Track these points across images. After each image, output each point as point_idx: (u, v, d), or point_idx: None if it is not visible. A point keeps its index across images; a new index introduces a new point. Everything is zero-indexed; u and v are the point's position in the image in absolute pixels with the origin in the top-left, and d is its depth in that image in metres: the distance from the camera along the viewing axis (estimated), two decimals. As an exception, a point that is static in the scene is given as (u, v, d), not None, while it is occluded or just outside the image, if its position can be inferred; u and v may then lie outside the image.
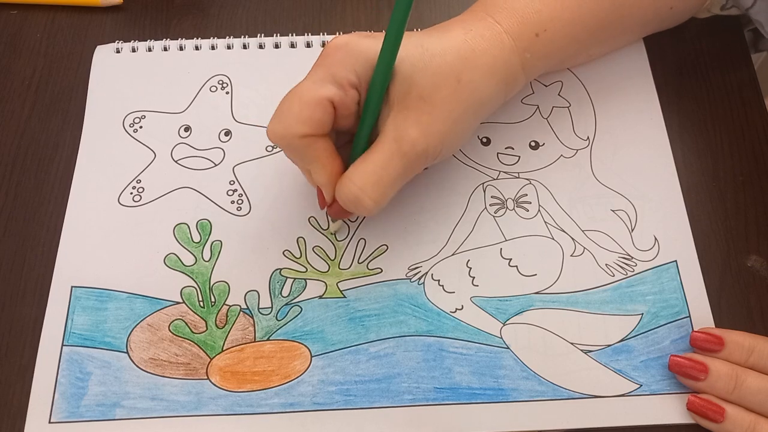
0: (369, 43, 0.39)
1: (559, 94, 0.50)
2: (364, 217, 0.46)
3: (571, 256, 0.45)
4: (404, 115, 0.39)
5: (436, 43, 0.40)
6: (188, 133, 0.49)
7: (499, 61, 0.41)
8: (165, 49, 0.52)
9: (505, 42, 0.42)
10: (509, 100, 0.45)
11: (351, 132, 0.42)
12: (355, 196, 0.39)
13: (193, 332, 0.43)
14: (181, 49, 0.52)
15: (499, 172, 0.48)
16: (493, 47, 0.41)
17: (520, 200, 0.47)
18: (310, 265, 0.45)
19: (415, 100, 0.39)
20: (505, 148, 0.49)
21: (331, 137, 0.41)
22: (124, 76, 0.51)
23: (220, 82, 0.51)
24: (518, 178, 0.48)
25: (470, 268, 0.45)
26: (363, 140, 0.40)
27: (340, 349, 0.43)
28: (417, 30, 0.44)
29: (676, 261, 0.45)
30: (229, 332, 0.43)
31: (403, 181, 0.40)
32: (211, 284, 0.44)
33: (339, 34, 0.52)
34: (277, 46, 0.52)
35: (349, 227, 0.46)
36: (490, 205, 0.47)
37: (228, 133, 0.49)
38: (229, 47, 0.52)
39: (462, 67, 0.40)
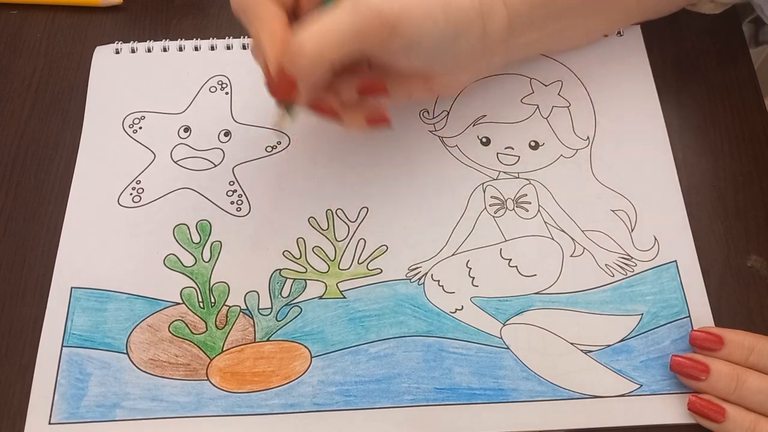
0: None
1: (559, 94, 0.50)
2: (364, 218, 0.46)
3: (571, 256, 0.45)
4: None
5: None
6: (188, 133, 0.49)
7: None
8: (164, 50, 0.52)
9: None
10: (491, 45, 0.43)
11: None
12: (294, 47, 0.36)
13: (193, 333, 0.43)
14: (180, 49, 0.52)
15: (499, 172, 0.48)
16: None
17: (520, 200, 0.47)
18: (310, 266, 0.45)
19: None
20: (505, 148, 0.49)
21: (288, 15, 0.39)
22: (123, 77, 0.51)
23: (220, 82, 0.51)
24: (518, 178, 0.48)
25: (470, 269, 0.45)
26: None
27: (340, 350, 0.43)
28: None
29: (676, 261, 0.45)
30: (228, 333, 0.43)
31: (351, 42, 0.37)
32: (211, 285, 0.44)
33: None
34: (276, 46, 0.52)
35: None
36: (490, 205, 0.47)
37: (228, 133, 0.49)
38: (228, 48, 0.52)
39: None
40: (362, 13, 0.37)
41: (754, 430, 0.39)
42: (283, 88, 0.39)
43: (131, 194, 0.47)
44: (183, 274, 0.45)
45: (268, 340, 0.43)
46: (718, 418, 0.39)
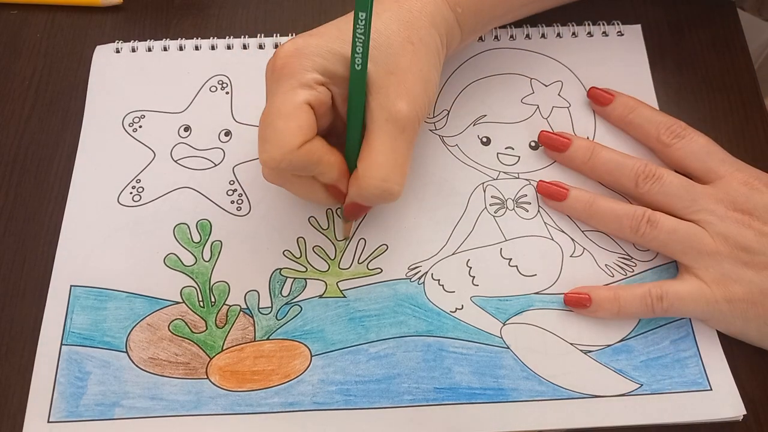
0: (316, 41, 0.39)
1: (559, 94, 0.50)
2: (365, 217, 0.46)
3: (571, 256, 0.45)
4: (383, 94, 0.39)
5: (376, 21, 0.40)
6: (188, 133, 0.49)
7: (437, 16, 0.42)
8: (165, 49, 0.52)
9: None
10: (454, 57, 0.47)
11: (330, 134, 0.42)
12: (382, 188, 0.39)
13: (192, 332, 0.43)
14: (180, 49, 0.52)
15: (499, 172, 0.48)
16: (427, 5, 0.42)
17: (520, 200, 0.47)
18: (310, 265, 0.45)
19: (385, 76, 0.39)
20: (505, 148, 0.49)
21: None
22: (123, 76, 0.51)
23: (220, 82, 0.51)
24: (518, 178, 0.48)
25: (470, 268, 0.45)
26: (357, 132, 0.40)
27: (340, 349, 0.43)
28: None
29: (675, 261, 0.45)
30: (228, 332, 0.43)
31: (411, 154, 0.41)
32: (211, 284, 0.44)
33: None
34: (276, 46, 0.52)
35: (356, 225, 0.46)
36: (490, 205, 0.47)
37: (228, 133, 0.49)
38: (229, 47, 0.52)
39: (408, 31, 0.40)
40: (407, 129, 0.40)
41: (592, 203, 0.45)
42: (358, 211, 0.43)
43: (131, 193, 0.47)
44: (183, 273, 0.45)
45: (268, 339, 0.43)
46: (561, 197, 0.45)
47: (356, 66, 0.38)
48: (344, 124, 0.41)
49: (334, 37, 0.39)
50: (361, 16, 0.36)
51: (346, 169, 0.41)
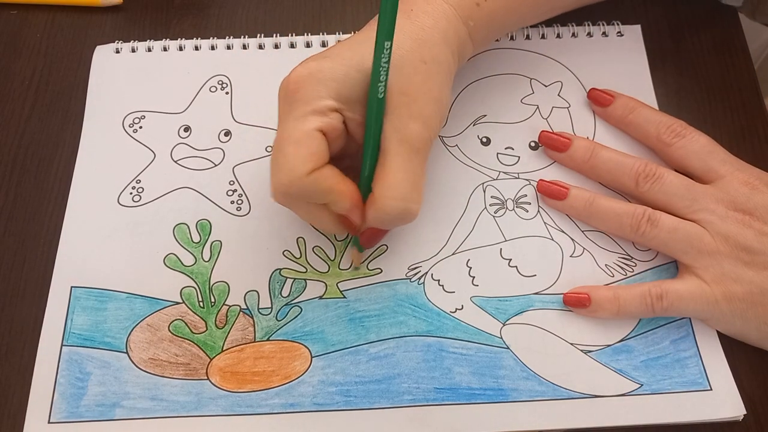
0: (330, 65, 0.39)
1: (559, 95, 0.50)
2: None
3: (571, 256, 0.45)
4: (396, 115, 0.39)
5: None
6: (188, 133, 0.49)
7: (450, 31, 0.42)
8: (165, 50, 0.52)
9: (448, 13, 0.42)
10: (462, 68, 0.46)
11: (343, 156, 0.42)
12: (401, 208, 0.39)
13: (192, 332, 0.43)
14: (180, 49, 0.52)
15: (499, 172, 0.48)
16: (439, 20, 0.41)
17: (520, 200, 0.47)
18: (310, 266, 0.45)
19: (398, 96, 0.39)
20: (505, 149, 0.49)
21: None
22: (123, 76, 0.51)
23: (220, 82, 0.51)
24: (518, 178, 0.48)
25: (470, 268, 0.45)
26: (373, 160, 0.40)
27: (340, 350, 0.43)
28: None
29: (675, 261, 0.45)
30: (228, 332, 0.43)
31: (425, 173, 0.40)
32: (211, 284, 0.44)
33: (339, 34, 0.52)
34: (276, 46, 0.52)
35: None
36: (490, 205, 0.47)
37: (228, 133, 0.49)
38: (228, 47, 0.52)
39: (421, 49, 0.40)
40: (420, 149, 0.39)
41: (592, 202, 0.45)
42: (374, 238, 0.43)
43: (131, 193, 0.47)
44: (183, 273, 0.45)
45: (268, 339, 0.43)
46: (561, 197, 0.45)
47: (378, 94, 0.38)
48: (357, 147, 0.41)
49: (348, 60, 0.39)
50: (386, 45, 0.36)
51: (360, 200, 0.40)
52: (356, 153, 0.41)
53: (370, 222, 0.40)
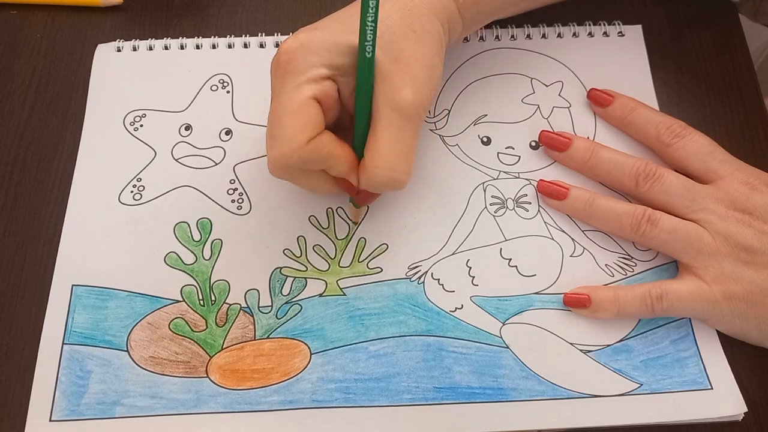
0: (321, 35, 0.39)
1: (559, 95, 0.50)
2: (365, 216, 0.46)
3: (571, 256, 0.45)
4: (388, 83, 0.39)
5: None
6: (189, 131, 0.49)
7: (438, 5, 0.42)
8: (166, 48, 0.52)
9: None
10: (454, 57, 0.46)
11: (337, 125, 0.42)
12: (389, 177, 0.40)
13: (193, 330, 0.43)
14: (182, 48, 0.52)
15: (499, 172, 0.48)
16: None
17: (520, 200, 0.47)
18: (311, 264, 0.45)
19: (389, 64, 0.39)
20: (506, 148, 0.49)
21: None
22: (124, 75, 0.51)
23: (221, 81, 0.51)
24: (518, 178, 0.48)
25: (470, 268, 0.45)
26: (364, 122, 0.40)
27: (339, 347, 0.43)
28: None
29: (675, 261, 0.45)
30: (229, 330, 0.43)
31: (416, 142, 0.41)
32: (212, 283, 0.45)
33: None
34: (277, 45, 0.52)
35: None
36: (490, 204, 0.47)
37: (229, 132, 0.49)
38: (230, 46, 0.52)
39: (410, 18, 0.40)
40: (412, 117, 0.39)
41: (592, 202, 0.45)
42: (368, 198, 0.44)
43: (132, 192, 0.47)
44: (183, 271, 0.45)
45: (268, 337, 0.43)
46: (561, 196, 0.45)
47: (366, 53, 0.38)
48: (351, 117, 0.41)
49: (337, 30, 0.39)
50: (371, 3, 0.36)
51: (356, 161, 0.41)
52: (349, 126, 0.41)
53: (361, 186, 0.41)
